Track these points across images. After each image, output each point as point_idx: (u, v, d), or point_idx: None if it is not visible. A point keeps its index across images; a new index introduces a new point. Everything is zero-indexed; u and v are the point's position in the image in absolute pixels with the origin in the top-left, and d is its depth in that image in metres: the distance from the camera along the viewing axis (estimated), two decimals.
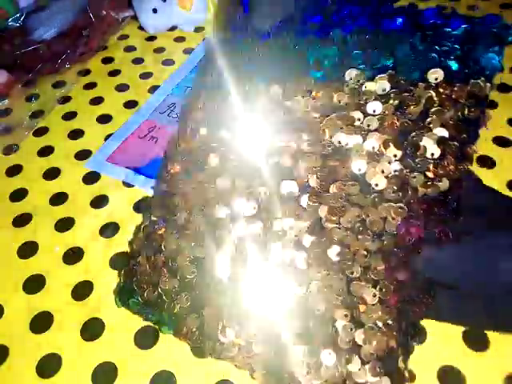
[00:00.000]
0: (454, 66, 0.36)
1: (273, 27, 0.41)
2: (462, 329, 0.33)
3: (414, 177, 0.33)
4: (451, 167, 0.33)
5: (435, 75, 0.36)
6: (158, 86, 0.57)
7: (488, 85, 0.35)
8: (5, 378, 0.34)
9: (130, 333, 0.35)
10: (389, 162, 0.34)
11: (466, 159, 0.34)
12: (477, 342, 0.32)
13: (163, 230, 0.36)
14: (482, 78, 0.35)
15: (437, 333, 0.33)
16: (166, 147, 0.48)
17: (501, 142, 0.45)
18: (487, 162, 0.43)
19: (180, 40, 0.64)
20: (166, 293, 0.33)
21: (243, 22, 0.43)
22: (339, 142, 0.35)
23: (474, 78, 0.35)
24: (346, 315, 0.30)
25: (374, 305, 0.30)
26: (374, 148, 0.34)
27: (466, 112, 0.35)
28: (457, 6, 0.62)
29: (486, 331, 0.33)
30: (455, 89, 0.35)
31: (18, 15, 0.60)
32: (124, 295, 0.35)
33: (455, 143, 0.34)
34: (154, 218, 0.37)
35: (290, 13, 0.41)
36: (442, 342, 0.33)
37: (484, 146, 0.44)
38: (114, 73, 0.60)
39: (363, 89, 0.36)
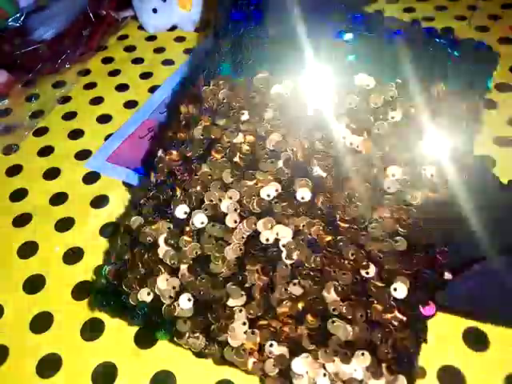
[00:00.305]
0: (452, 82, 0.38)
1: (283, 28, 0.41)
2: (462, 329, 0.33)
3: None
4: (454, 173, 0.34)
5: (436, 89, 0.37)
6: (158, 86, 0.56)
7: (481, 102, 0.38)
8: (5, 377, 0.34)
9: (129, 333, 0.35)
10: (399, 166, 0.35)
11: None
12: (477, 341, 0.33)
13: (160, 224, 0.34)
14: (476, 97, 0.38)
15: (437, 333, 0.33)
16: (155, 137, 0.47)
17: (501, 142, 0.45)
18: None
19: (180, 40, 0.64)
20: (165, 294, 0.32)
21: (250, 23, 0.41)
22: (351, 144, 0.36)
23: (468, 96, 0.38)
24: (361, 315, 0.30)
25: (389, 304, 0.31)
26: (384, 151, 0.35)
27: (464, 125, 0.37)
28: (457, 5, 0.63)
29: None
30: (454, 103, 0.37)
31: (18, 15, 0.60)
32: (108, 296, 0.33)
33: (456, 150, 0.35)
34: (145, 212, 0.34)
35: (301, 17, 0.41)
36: (442, 341, 0.33)
37: (484, 146, 0.44)
38: (114, 73, 0.60)
39: (371, 94, 0.37)
